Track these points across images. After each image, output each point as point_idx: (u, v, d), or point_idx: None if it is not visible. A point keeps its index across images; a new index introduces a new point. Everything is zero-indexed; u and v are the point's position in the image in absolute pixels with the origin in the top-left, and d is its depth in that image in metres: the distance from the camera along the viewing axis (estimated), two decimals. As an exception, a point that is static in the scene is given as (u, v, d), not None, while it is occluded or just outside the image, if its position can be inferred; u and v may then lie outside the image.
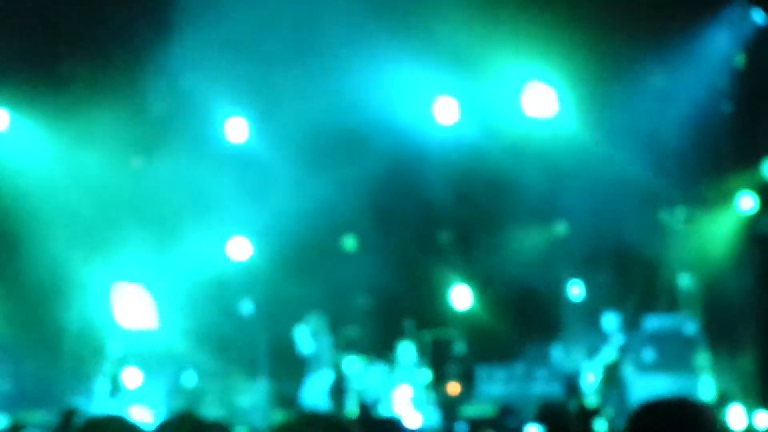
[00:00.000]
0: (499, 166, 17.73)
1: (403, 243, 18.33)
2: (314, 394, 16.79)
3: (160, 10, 16.51)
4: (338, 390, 17.23)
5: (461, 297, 18.43)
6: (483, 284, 18.52)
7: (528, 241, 18.70)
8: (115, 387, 16.99)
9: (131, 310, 17.48)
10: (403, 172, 17.74)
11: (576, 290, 18.50)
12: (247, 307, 18.54)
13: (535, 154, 17.59)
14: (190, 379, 17.67)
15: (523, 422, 13.83)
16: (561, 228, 18.78)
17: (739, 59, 17.54)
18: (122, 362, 17.11)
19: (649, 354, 16.64)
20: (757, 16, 17.43)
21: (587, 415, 14.38)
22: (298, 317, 17.36)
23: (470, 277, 18.53)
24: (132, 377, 17.19)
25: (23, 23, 16.50)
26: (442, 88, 17.71)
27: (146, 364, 17.19)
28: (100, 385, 17.01)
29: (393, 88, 17.32)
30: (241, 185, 17.39)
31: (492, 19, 16.41)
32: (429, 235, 18.99)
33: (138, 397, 16.90)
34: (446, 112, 17.87)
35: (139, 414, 16.12)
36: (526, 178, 17.67)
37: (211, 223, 17.71)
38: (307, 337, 17.10)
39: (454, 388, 18.08)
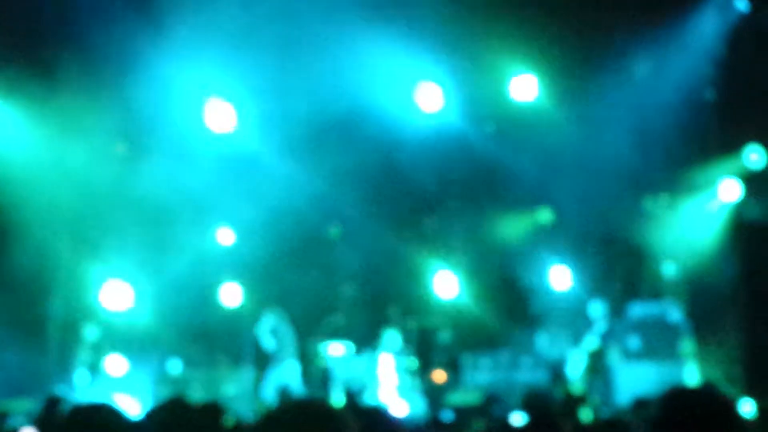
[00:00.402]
0: (484, 154, 17.75)
1: (389, 231, 18.32)
2: (276, 388, 16.81)
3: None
4: (324, 378, 17.25)
5: (447, 285, 18.41)
6: (468, 272, 18.51)
7: (513, 229, 18.71)
8: (95, 373, 16.97)
9: (112, 295, 17.48)
10: (388, 159, 17.73)
11: (559, 277, 18.51)
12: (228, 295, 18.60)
13: (521, 142, 17.62)
14: (175, 367, 17.66)
15: (508, 410, 13.82)
16: (546, 215, 18.79)
17: (723, 47, 17.55)
18: (101, 348, 17.10)
19: (633, 341, 16.66)
20: (741, 4, 17.45)
21: (572, 403, 14.36)
22: (283, 305, 17.40)
23: (456, 265, 18.52)
24: (117, 365, 17.17)
25: (6, 10, 16.40)
26: (427, 76, 17.68)
27: (131, 351, 17.17)
28: (80, 373, 16.99)
29: (378, 76, 17.30)
30: (226, 175, 17.36)
31: (478, 6, 16.41)
32: (414, 222, 18.99)
33: (124, 385, 16.88)
34: (431, 99, 17.85)
35: (126, 402, 16.08)
36: (512, 166, 17.68)
37: (197, 212, 17.67)
38: (266, 334, 17.22)
39: (439, 376, 18.08)
